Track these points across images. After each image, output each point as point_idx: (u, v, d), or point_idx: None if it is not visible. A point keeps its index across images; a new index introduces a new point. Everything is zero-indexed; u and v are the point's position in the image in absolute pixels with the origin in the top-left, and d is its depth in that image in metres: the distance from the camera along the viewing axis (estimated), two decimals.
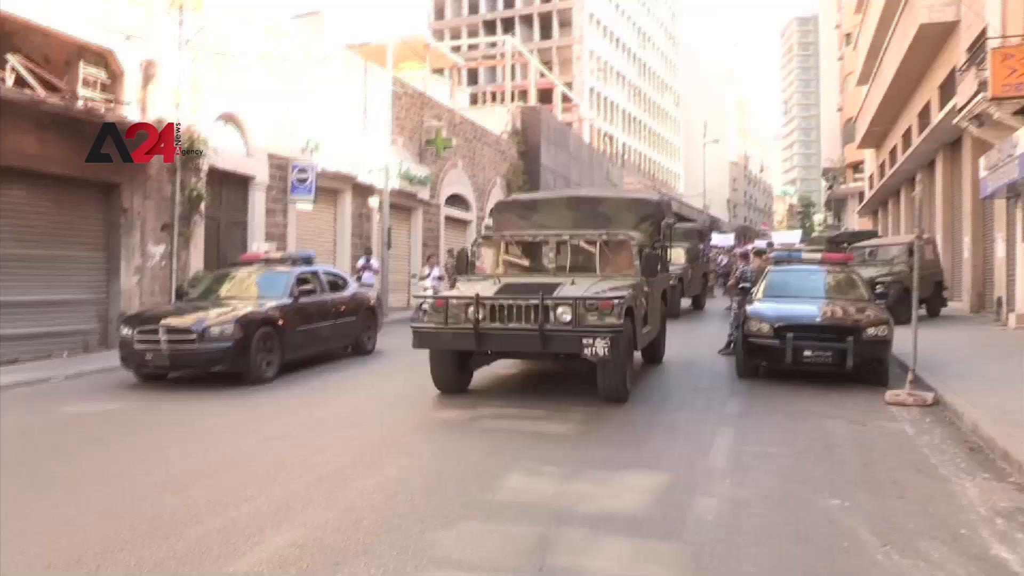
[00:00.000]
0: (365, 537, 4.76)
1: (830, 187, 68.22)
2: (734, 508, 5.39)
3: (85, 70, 13.80)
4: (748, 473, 6.28)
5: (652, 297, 10.83)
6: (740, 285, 13.90)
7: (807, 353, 10.25)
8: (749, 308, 11.40)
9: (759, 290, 12.36)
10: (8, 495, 5.71)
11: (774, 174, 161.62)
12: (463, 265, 11.01)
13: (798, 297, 11.67)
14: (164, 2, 15.29)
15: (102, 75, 14.14)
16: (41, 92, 12.63)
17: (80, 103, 13.20)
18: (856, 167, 54.37)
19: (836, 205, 67.57)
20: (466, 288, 9.59)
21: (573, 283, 9.24)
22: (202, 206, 16.20)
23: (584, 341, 8.36)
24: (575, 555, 4.52)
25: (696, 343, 15.48)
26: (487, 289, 9.24)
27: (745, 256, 16.22)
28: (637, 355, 10.71)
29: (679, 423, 8.22)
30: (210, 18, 16.36)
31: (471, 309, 8.80)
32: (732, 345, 13.10)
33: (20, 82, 12.59)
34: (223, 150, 16.96)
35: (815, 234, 55.40)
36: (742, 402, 9.52)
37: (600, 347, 8.28)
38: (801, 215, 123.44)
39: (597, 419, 8.33)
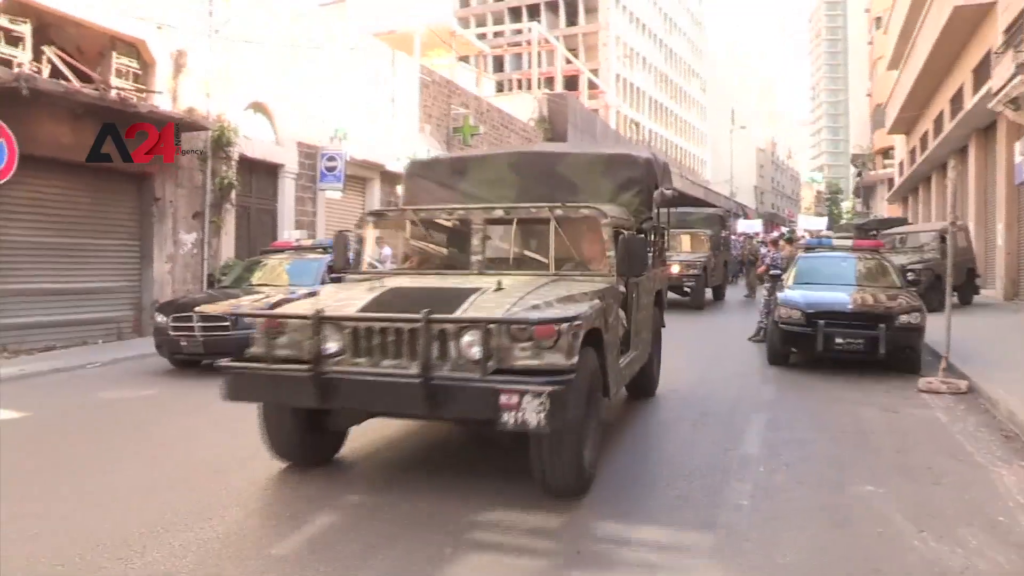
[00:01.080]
0: (406, 519, 4.82)
1: (859, 174, 67.54)
2: (768, 494, 5.40)
3: (117, 60, 13.99)
4: (781, 459, 6.28)
5: (638, 305, 7.47)
6: (770, 272, 13.84)
7: (839, 340, 10.19)
8: (780, 295, 11.37)
9: (790, 277, 12.31)
10: (55, 478, 5.83)
11: (801, 160, 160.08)
12: (341, 259, 7.47)
13: (829, 284, 11.60)
14: None
15: (134, 65, 14.32)
16: (76, 83, 12.79)
17: (113, 93, 13.36)
18: (886, 153, 53.77)
19: (865, 192, 66.90)
20: (329, 296, 6.00)
21: (500, 288, 5.55)
22: (233, 194, 16.35)
23: (503, 400, 4.66)
24: (610, 540, 4.55)
25: (722, 333, 15.45)
26: (355, 299, 5.57)
27: (775, 243, 16.12)
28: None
29: (710, 410, 8.22)
30: (238, 7, 16.47)
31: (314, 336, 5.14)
32: (762, 332, 13.07)
33: (55, 73, 12.76)
34: (253, 139, 17.10)
35: (843, 221, 54.97)
36: (773, 389, 9.51)
37: (531, 411, 4.61)
38: (829, 202, 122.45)
39: (626, 408, 8.34)
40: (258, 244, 17.01)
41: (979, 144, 24.91)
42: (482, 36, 52.89)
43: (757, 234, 34.25)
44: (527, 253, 7.07)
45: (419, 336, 4.88)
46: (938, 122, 30.16)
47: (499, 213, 6.86)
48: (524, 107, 36.01)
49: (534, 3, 74.15)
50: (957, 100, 26.21)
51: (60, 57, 12.99)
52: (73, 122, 12.71)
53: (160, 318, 10.99)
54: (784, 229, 34.50)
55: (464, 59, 38.62)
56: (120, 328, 14.39)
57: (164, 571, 4.11)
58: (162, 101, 14.55)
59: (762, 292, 14.48)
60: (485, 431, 5.57)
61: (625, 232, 6.67)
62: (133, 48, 14.33)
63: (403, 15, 31.40)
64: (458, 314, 5.02)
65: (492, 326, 4.88)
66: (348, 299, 5.60)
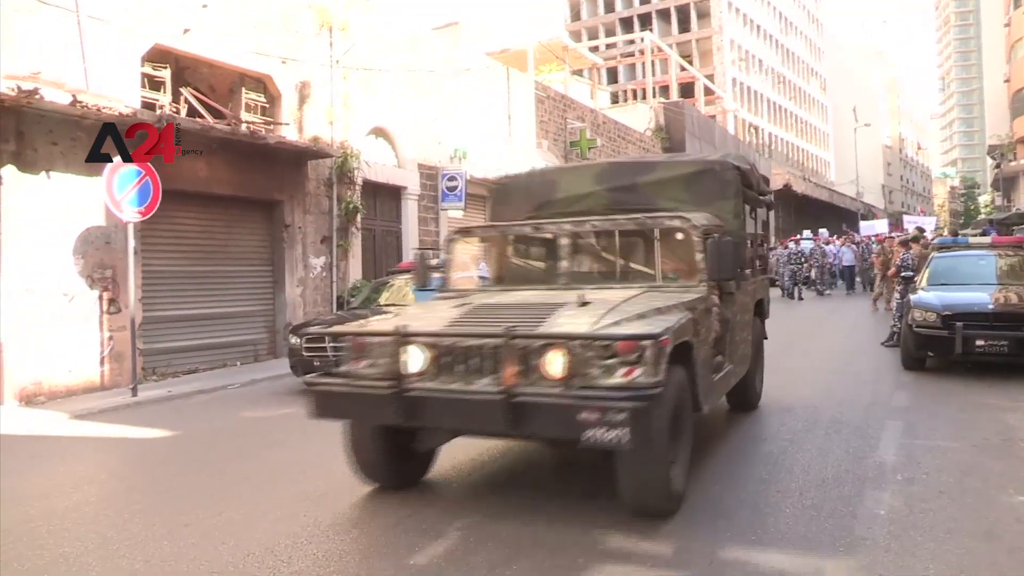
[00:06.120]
0: (521, 542, 4.90)
1: (997, 165, 63.98)
2: (907, 503, 5.22)
3: (246, 96, 14.73)
4: (920, 468, 6.06)
5: (736, 315, 7.23)
6: (902, 274, 13.33)
7: (979, 343, 9.73)
8: (913, 297, 10.96)
9: (923, 278, 11.85)
10: (204, 491, 6.20)
11: (932, 155, 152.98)
12: (422, 277, 7.76)
13: (966, 284, 11.11)
14: (315, 25, 16.07)
15: (261, 99, 15.04)
16: (209, 120, 13.54)
17: (244, 127, 14.07)
18: None
19: (1005, 184, 63.19)
20: (415, 313, 6.23)
21: (585, 303, 5.43)
22: (358, 218, 16.91)
23: (584, 417, 4.57)
24: (745, 548, 4.51)
25: (851, 337, 14.89)
26: (440, 317, 5.67)
27: (904, 244, 15.48)
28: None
29: (844, 416, 7.99)
30: (357, 37, 17.06)
31: (401, 355, 5.21)
32: (896, 336, 12.60)
33: (192, 112, 13.58)
34: (375, 163, 17.65)
35: (980, 217, 52.23)
36: (910, 395, 9.16)
37: (612, 428, 4.50)
38: (964, 197, 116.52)
39: (757, 415, 8.21)
40: (384, 265, 17.53)
41: None
42: (595, 48, 52.91)
43: (878, 236, 32.80)
44: (617, 266, 6.83)
45: (501, 353, 4.89)
46: None
47: (585, 226, 6.75)
48: (640, 117, 35.87)
49: (645, 12, 73.80)
50: None
51: (195, 96, 13.81)
52: (208, 156, 13.42)
53: (294, 340, 11.45)
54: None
55: (578, 72, 38.77)
56: (256, 350, 15.07)
57: None
58: (289, 132, 15.23)
59: (895, 295, 13.95)
60: (569, 449, 5.61)
61: (713, 236, 6.26)
62: (260, 83, 15.05)
63: (515, 33, 31.86)
64: (541, 331, 5.02)
65: (576, 343, 4.80)
66: (434, 316, 5.68)
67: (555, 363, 4.82)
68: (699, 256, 6.21)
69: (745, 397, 8.25)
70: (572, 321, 5.10)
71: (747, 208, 8.24)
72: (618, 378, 4.70)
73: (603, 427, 4.52)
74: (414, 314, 6.08)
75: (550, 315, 5.26)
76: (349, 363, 5.57)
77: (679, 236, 6.43)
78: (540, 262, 7.26)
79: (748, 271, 7.89)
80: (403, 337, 5.21)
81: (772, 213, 52.68)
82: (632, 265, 6.79)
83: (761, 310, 8.89)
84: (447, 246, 7.42)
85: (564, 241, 6.63)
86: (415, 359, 5.21)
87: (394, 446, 5.74)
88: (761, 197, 8.73)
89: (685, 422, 5.38)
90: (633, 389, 4.64)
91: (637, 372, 4.66)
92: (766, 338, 9.13)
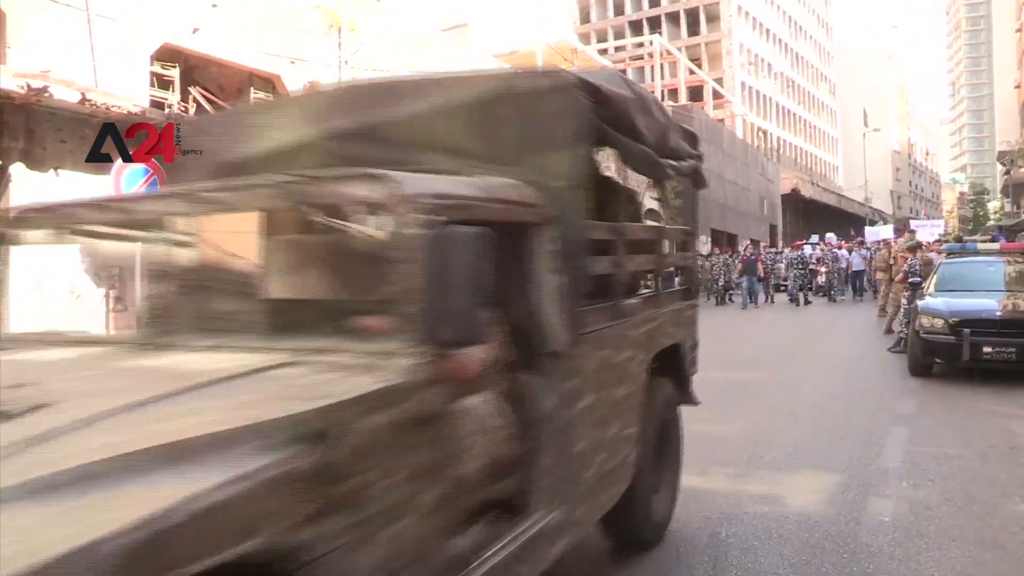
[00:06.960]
0: None
1: (1007, 172, 63.74)
2: (912, 510, 5.19)
3: (255, 95, 14.78)
4: (926, 475, 6.02)
5: (596, 385, 3.51)
6: (909, 280, 13.27)
7: (987, 350, 9.69)
8: (920, 303, 10.93)
9: (930, 284, 11.81)
10: None
11: (941, 161, 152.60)
12: None
13: (974, 291, 11.06)
14: (323, 26, 16.12)
15: (270, 98, 15.09)
16: None
17: None
18: None
19: (1014, 191, 62.99)
20: None
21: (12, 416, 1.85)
22: None
23: None
24: (747, 554, 4.49)
25: (856, 343, 14.83)
26: None
27: (912, 250, 15.40)
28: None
29: (849, 423, 7.95)
30: (365, 38, 17.09)
31: None
32: (902, 342, 12.56)
33: (200, 111, 13.63)
34: None
35: (989, 223, 52.09)
36: (916, 401, 9.11)
37: None
38: (973, 203, 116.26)
39: (761, 421, 8.18)
40: None
41: None
42: (603, 51, 52.93)
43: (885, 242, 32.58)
44: (251, 295, 3.13)
45: None
46: None
47: (177, 204, 3.12)
48: None
49: (654, 15, 73.69)
50: None
51: (204, 95, 13.87)
52: None
53: None
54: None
55: None
56: None
57: None
58: None
59: (902, 300, 13.90)
60: None
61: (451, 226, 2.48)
62: (269, 82, 15.11)
63: (524, 35, 31.86)
64: None
65: None
66: None
67: None
68: (412, 273, 2.42)
69: (630, 526, 4.30)
70: None
71: (635, 176, 4.39)
72: None
73: None
74: None
75: None
76: None
77: (372, 226, 2.64)
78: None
79: (635, 298, 4.33)
80: None
81: (774, 210, 52.50)
82: (288, 293, 3.35)
83: (677, 365, 4.84)
84: None
85: (155, 239, 3.32)
86: None
87: None
88: (676, 163, 4.64)
89: None
90: None
91: None
92: (697, 403, 5.14)
